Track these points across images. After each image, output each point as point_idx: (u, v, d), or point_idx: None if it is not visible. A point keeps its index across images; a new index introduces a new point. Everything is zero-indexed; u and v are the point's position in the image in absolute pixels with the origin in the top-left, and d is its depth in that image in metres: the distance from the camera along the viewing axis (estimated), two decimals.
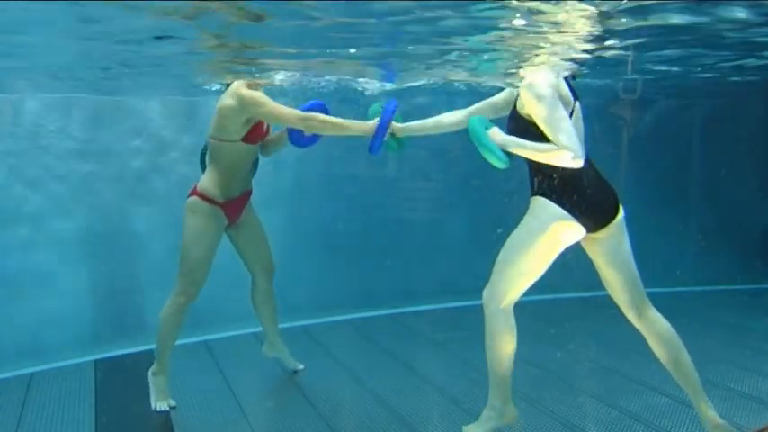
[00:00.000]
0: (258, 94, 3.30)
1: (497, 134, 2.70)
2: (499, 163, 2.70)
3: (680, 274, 5.61)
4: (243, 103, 3.28)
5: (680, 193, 6.20)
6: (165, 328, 3.44)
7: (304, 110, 3.32)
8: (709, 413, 2.79)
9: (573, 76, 2.90)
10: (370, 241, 5.39)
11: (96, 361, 4.31)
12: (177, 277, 3.43)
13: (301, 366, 4.04)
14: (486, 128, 2.73)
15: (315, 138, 3.51)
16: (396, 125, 3.22)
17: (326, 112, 3.40)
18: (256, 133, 3.44)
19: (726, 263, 5.94)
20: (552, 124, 2.58)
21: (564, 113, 2.61)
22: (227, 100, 3.34)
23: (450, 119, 3.13)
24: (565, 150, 2.54)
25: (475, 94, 3.88)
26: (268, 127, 3.61)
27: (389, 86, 4.72)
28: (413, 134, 3.25)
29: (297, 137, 3.51)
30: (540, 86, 2.62)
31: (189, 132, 4.76)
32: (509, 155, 2.71)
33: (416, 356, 4.32)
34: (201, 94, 4.74)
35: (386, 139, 3.19)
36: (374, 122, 3.19)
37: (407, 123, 3.25)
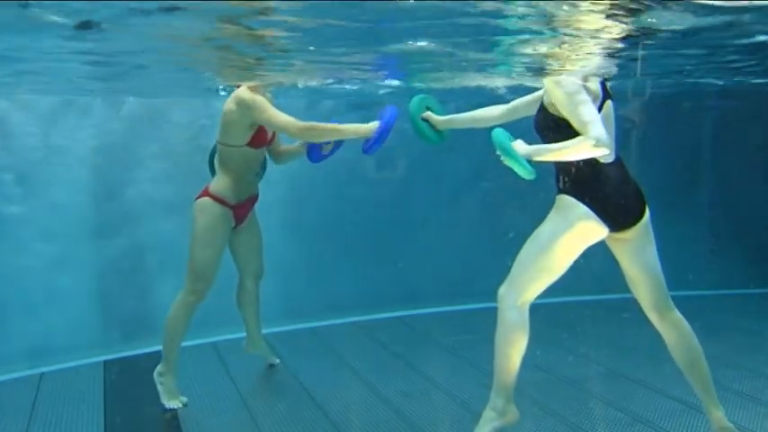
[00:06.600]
0: (259, 99, 3.28)
1: (521, 146, 2.64)
2: (526, 174, 2.64)
3: (692, 278, 5.54)
4: (243, 108, 3.30)
5: (692, 195, 6.13)
6: (172, 326, 3.46)
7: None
8: (718, 415, 2.81)
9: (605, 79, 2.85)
10: (378, 243, 5.37)
11: (105, 362, 4.32)
12: (186, 277, 3.45)
13: (277, 360, 4.18)
14: (510, 140, 2.68)
15: (330, 154, 3.58)
16: (436, 118, 3.27)
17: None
18: (261, 137, 3.45)
19: (739, 266, 5.86)
20: (574, 107, 2.51)
21: (587, 98, 2.54)
22: (230, 104, 3.36)
23: (492, 113, 3.14)
24: (590, 139, 2.44)
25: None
26: (273, 134, 3.61)
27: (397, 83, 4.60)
28: (454, 127, 3.29)
29: (315, 154, 3.57)
30: (566, 77, 2.61)
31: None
32: (532, 164, 2.65)
33: (425, 359, 4.30)
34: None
35: (384, 143, 3.26)
36: (372, 125, 3.24)
37: (449, 116, 3.28)
